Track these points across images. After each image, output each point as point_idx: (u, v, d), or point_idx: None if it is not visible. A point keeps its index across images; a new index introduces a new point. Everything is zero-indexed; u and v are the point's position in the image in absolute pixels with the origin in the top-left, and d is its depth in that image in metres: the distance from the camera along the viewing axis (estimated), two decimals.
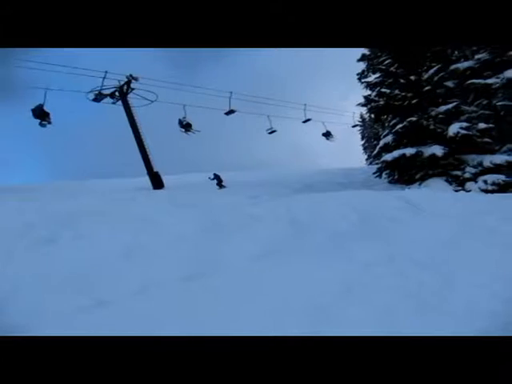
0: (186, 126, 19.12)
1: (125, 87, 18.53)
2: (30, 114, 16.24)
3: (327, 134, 24.50)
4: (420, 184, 15.38)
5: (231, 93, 19.23)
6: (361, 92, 20.75)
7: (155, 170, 18.13)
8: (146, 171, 18.33)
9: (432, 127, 15.87)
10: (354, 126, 25.05)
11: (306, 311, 3.14)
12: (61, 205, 7.96)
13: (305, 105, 22.09)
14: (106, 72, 17.04)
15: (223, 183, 18.98)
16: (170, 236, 5.25)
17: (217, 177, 19.34)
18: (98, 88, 18.10)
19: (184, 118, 19.14)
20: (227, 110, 19.52)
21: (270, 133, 22.19)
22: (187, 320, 3.16)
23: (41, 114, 16.22)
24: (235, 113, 19.34)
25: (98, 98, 17.89)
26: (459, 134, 14.89)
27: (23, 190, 15.09)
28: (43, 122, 16.33)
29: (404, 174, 16.56)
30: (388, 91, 17.43)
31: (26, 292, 3.91)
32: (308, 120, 22.30)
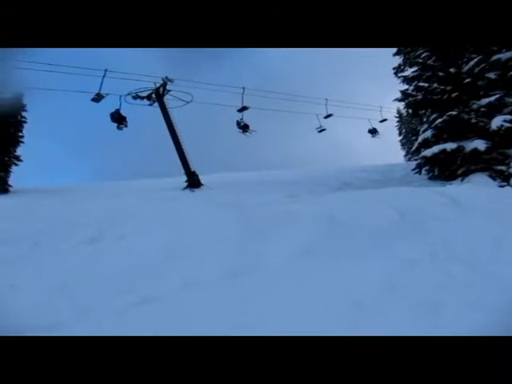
0: (244, 127, 19.62)
1: (161, 89, 18.95)
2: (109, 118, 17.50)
3: (373, 131, 24.26)
4: (462, 180, 14.85)
5: (244, 88, 19.03)
6: (396, 87, 20.07)
7: (192, 169, 18.42)
8: (183, 171, 18.64)
9: (473, 121, 15.29)
10: (381, 121, 24.33)
11: (348, 309, 3.15)
12: (104, 206, 8.27)
13: (326, 99, 21.50)
14: (106, 70, 16.89)
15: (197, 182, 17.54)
16: (210, 235, 5.37)
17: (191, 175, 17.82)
18: (136, 90, 18.61)
19: (241, 119, 19.57)
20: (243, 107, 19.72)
21: (319, 131, 22.25)
22: (228, 316, 3.23)
23: (118, 118, 17.39)
24: (248, 109, 19.17)
25: (97, 98, 18.08)
26: (503, 127, 14.28)
27: (66, 190, 15.75)
28: (120, 126, 17.46)
29: (445, 169, 16.01)
30: (426, 85, 16.93)
31: (73, 289, 4.12)
32: (330, 115, 21.81)
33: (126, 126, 17.64)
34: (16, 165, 23.97)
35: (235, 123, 19.73)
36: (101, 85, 17.22)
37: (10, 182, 23.43)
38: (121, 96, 17.68)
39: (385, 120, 23.81)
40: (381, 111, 24.01)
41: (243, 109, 19.31)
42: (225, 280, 4.08)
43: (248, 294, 3.67)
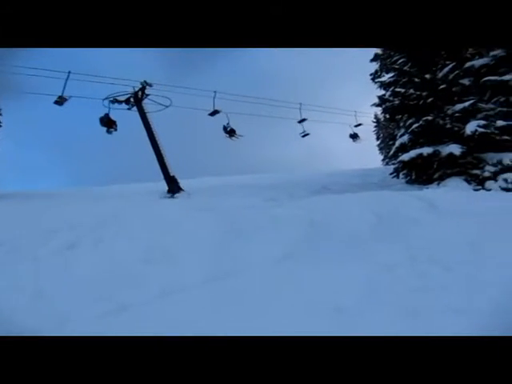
0: (230, 132, 19.71)
1: (139, 93, 18.78)
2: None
3: (354, 136, 24.67)
4: (438, 184, 15.15)
5: (215, 92, 18.96)
6: (373, 92, 20.32)
7: (172, 174, 18.29)
8: (162, 175, 18.48)
9: (449, 126, 15.64)
10: (356, 126, 24.66)
11: (328, 313, 3.16)
12: (83, 210, 8.11)
13: (300, 104, 21.48)
14: (70, 72, 16.54)
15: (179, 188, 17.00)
16: (191, 239, 5.32)
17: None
18: (114, 94, 18.42)
19: (228, 124, 19.65)
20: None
21: (303, 136, 22.43)
22: (209, 322, 3.20)
23: (108, 122, 17.37)
24: (219, 113, 19.15)
25: (60, 101, 17.81)
26: (477, 132, 14.64)
27: (45, 195, 15.39)
28: (110, 130, 17.39)
29: (422, 173, 16.32)
30: (403, 90, 17.24)
31: (50, 296, 4.01)
32: (303, 120, 21.95)
33: (116, 129, 17.60)
34: None
35: (222, 128, 19.73)
36: (64, 87, 16.73)
37: None
38: (110, 99, 17.58)
39: (360, 125, 24.15)
40: (355, 116, 24.25)
41: (214, 112, 19.21)
42: (205, 284, 4.04)
43: (229, 298, 3.64)
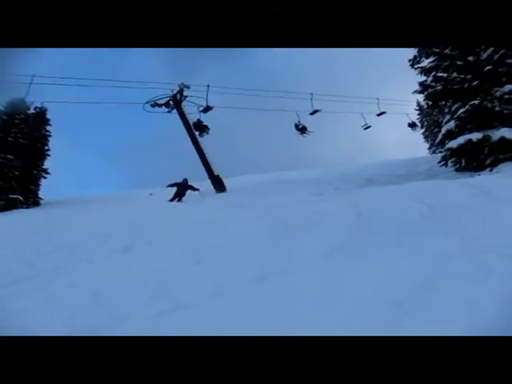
0: (302, 129, 20.74)
1: (178, 96, 19.22)
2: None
3: (413, 125, 24.56)
4: (491, 170, 14.47)
5: (208, 86, 18.97)
6: (411, 79, 19.63)
7: (216, 173, 18.59)
8: (207, 175, 18.83)
9: (498, 109, 14.90)
10: (378, 115, 23.85)
11: (383, 307, 3.10)
12: (133, 214, 8.40)
13: (311, 94, 21.37)
14: (34, 75, 16.61)
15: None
16: (240, 237, 5.39)
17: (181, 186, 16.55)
18: (154, 98, 19.03)
19: (299, 121, 20.72)
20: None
21: (365, 128, 23.03)
22: (264, 320, 3.23)
23: (200, 127, 18.86)
24: (212, 109, 19.26)
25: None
26: None
27: (98, 200, 16.09)
28: (202, 133, 18.92)
29: (472, 160, 15.63)
30: (445, 75, 16.58)
31: (108, 297, 4.20)
32: (316, 111, 21.67)
33: (208, 133, 18.93)
34: (44, 177, 24.79)
35: (293, 126, 20.90)
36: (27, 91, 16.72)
37: (40, 195, 24.25)
38: (199, 107, 18.82)
39: (383, 113, 23.43)
40: (378, 104, 23.57)
41: (207, 109, 19.30)
42: (257, 282, 4.08)
43: (283, 296, 3.65)
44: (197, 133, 18.87)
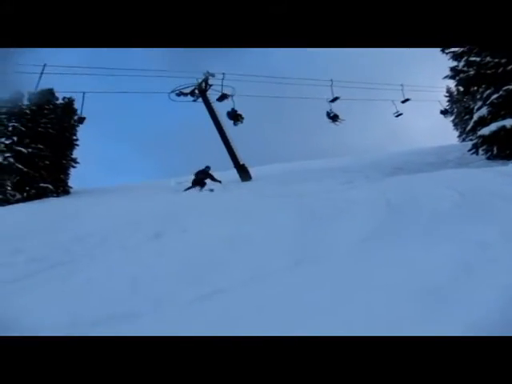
0: (334, 117, 21.05)
1: (203, 84, 19.31)
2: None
3: (445, 112, 24.50)
4: None
5: (224, 74, 18.97)
6: (441, 64, 19.20)
7: (241, 162, 18.66)
8: (232, 164, 18.92)
9: None
10: (403, 102, 23.43)
11: (420, 295, 3.07)
12: (163, 202, 8.54)
13: (331, 80, 21.13)
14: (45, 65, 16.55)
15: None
16: (271, 226, 5.43)
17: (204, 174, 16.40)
18: (179, 87, 19.21)
19: (331, 109, 21.02)
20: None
21: (397, 116, 23.16)
22: (297, 305, 3.24)
23: (235, 116, 19.15)
24: (228, 98, 19.24)
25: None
26: None
27: (127, 189, 16.42)
28: (236, 122, 19.17)
29: (505, 148, 15.17)
30: (478, 59, 16.08)
31: (143, 283, 4.29)
32: (407, 100, 21.94)
33: (242, 122, 19.16)
34: (73, 167, 25.44)
35: (325, 114, 21.18)
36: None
37: (70, 184, 24.93)
38: (169, 93, 19.19)
39: (407, 100, 23.16)
40: (402, 90, 23.20)
41: (223, 97, 19.18)
42: (289, 270, 4.10)
43: (313, 282, 3.66)
44: (231, 122, 19.11)
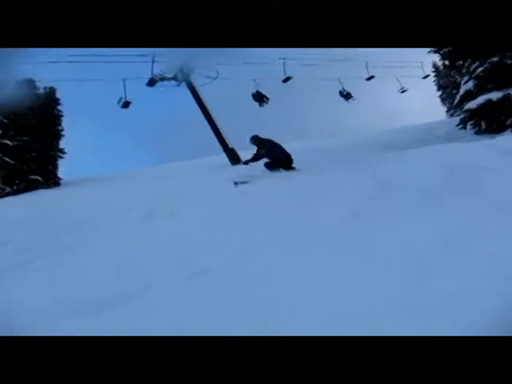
0: (347, 95, 21.25)
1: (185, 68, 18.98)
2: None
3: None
4: None
5: (284, 59, 18.91)
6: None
7: (230, 146, 18.52)
8: (221, 148, 18.77)
9: None
10: (425, 77, 23.38)
11: (406, 264, 3.11)
12: (152, 188, 8.55)
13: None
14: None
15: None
16: (257, 205, 5.45)
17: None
18: (161, 72, 18.78)
19: (343, 88, 21.19)
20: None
21: (402, 92, 22.88)
22: (287, 278, 3.25)
23: (260, 98, 19.24)
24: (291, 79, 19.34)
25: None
26: None
27: (117, 178, 16.32)
28: (262, 103, 19.37)
29: (492, 121, 15.21)
30: None
31: (133, 265, 4.30)
32: (371, 77, 21.62)
33: (267, 102, 19.36)
34: (61, 157, 25.15)
35: (338, 93, 21.38)
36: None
37: (59, 175, 24.69)
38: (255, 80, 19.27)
39: (427, 76, 23.26)
40: (422, 67, 23.08)
41: (287, 79, 19.30)
42: (278, 247, 4.11)
43: (301, 259, 3.67)
44: (257, 104, 19.30)
